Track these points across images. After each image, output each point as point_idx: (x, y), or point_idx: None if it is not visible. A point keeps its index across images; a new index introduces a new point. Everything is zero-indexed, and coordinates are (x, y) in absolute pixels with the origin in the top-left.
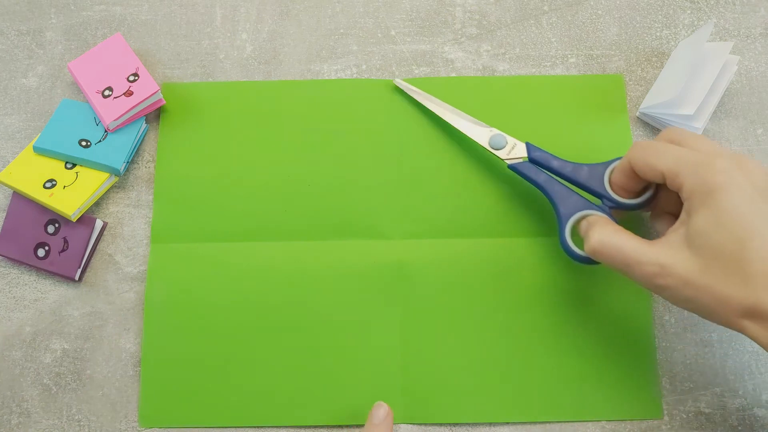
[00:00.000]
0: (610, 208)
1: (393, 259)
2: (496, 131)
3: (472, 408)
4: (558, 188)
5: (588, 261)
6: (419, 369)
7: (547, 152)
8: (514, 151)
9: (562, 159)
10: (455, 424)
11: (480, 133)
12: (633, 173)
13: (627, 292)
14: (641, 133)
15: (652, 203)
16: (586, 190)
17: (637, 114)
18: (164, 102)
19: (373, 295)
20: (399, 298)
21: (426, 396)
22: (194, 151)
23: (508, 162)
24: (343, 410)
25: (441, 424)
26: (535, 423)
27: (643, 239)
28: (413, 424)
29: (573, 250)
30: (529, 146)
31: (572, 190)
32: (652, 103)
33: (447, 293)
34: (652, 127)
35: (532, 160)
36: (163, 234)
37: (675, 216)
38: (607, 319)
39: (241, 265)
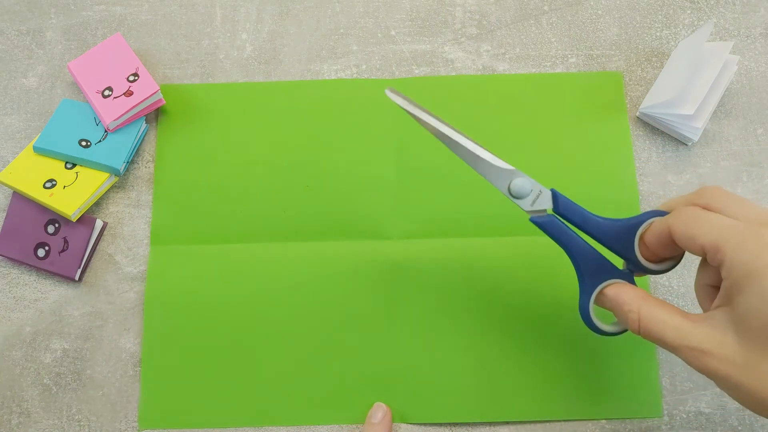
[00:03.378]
0: (632, 272)
1: (392, 259)
2: (519, 175)
3: (471, 407)
4: (583, 247)
5: (609, 334)
6: (419, 368)
7: (575, 204)
8: (540, 200)
9: (590, 213)
10: (455, 424)
11: (498, 175)
12: (671, 241)
13: None
14: (641, 132)
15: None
16: (609, 249)
17: (637, 114)
18: (164, 102)
19: (373, 295)
20: (398, 298)
21: (426, 395)
22: (193, 152)
23: (531, 215)
24: (343, 410)
25: (441, 424)
26: (535, 422)
27: (687, 314)
28: (413, 423)
29: (596, 325)
30: (555, 195)
31: (596, 251)
32: (651, 103)
33: (446, 292)
34: (652, 127)
35: (557, 211)
36: (163, 236)
37: (716, 288)
38: (606, 318)
39: (241, 266)
